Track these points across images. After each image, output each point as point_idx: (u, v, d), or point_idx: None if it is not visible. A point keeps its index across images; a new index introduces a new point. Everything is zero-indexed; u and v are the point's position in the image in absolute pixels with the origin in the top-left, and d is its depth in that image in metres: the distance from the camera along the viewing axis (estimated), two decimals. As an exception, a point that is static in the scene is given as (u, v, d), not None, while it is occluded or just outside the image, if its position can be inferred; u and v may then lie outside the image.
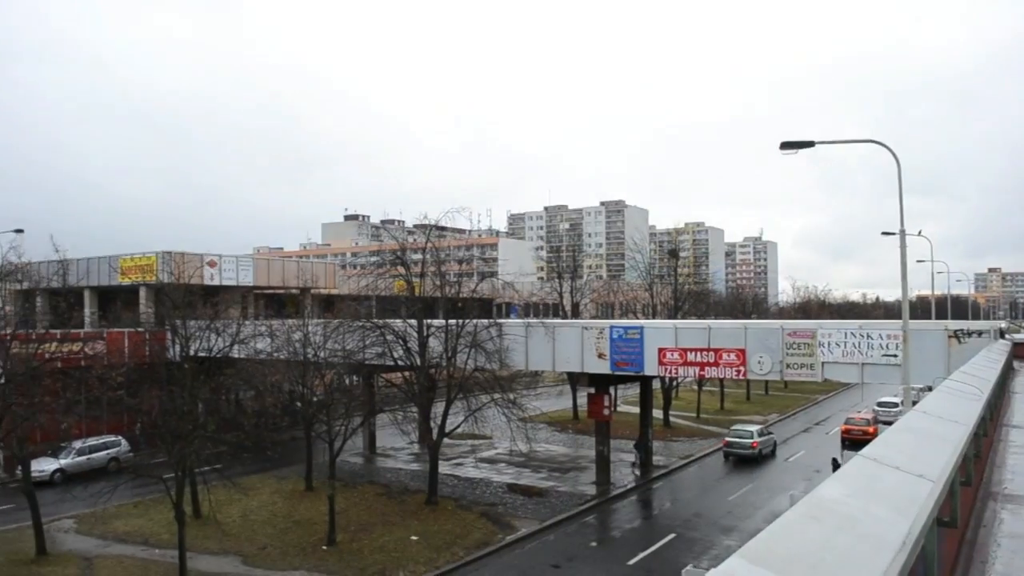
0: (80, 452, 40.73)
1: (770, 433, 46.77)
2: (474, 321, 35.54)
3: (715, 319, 56.49)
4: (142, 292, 56.62)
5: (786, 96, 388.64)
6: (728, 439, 44.90)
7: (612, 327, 34.42)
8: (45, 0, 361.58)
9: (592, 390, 36.96)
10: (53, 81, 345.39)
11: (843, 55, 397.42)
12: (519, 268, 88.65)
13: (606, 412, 37.20)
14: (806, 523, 2.87)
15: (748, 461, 42.74)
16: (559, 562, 26.54)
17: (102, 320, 56.98)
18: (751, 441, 43.42)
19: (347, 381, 37.89)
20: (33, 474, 31.48)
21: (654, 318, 60.78)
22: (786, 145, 21.60)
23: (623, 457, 42.85)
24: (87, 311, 59.73)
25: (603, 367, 34.36)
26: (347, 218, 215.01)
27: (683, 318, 56.13)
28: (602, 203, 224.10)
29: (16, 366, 24.25)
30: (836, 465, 37.25)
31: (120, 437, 43.32)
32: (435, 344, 35.05)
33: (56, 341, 29.20)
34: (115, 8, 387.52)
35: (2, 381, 23.85)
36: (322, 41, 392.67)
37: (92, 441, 42.24)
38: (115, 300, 57.83)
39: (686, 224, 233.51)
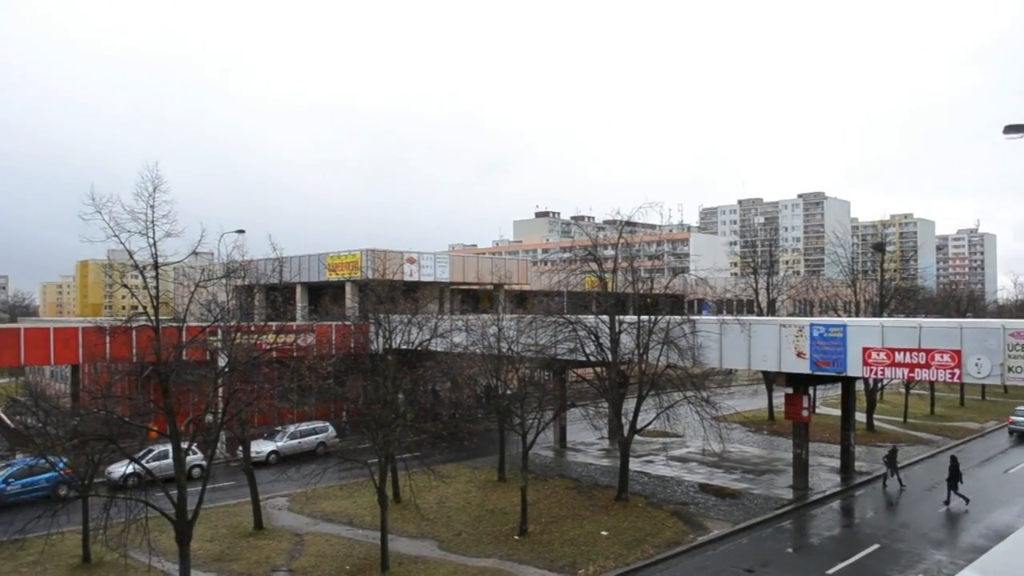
0: (292, 436, 43.67)
1: None
2: (667, 317, 35.13)
3: (925, 317, 53.02)
4: (348, 287, 59.94)
5: (1006, 73, 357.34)
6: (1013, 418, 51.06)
7: (812, 325, 33.02)
8: (266, 23, 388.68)
9: (790, 390, 35.60)
10: (271, 94, 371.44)
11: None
12: (712, 264, 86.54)
13: (805, 413, 35.73)
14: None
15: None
16: (753, 567, 25.79)
17: (312, 314, 60.58)
18: None
19: (539, 375, 38.46)
20: (252, 455, 34.13)
21: (857, 316, 57.70)
22: (1010, 129, 19.87)
23: (822, 461, 41.05)
24: (299, 305, 63.87)
25: (802, 366, 33.04)
26: (538, 215, 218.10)
27: (889, 316, 53.04)
28: (799, 195, 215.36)
29: (239, 356, 26.28)
30: (953, 464, 34.58)
31: (328, 423, 46.12)
32: (627, 340, 34.93)
33: (272, 333, 31.35)
34: (313, 25, 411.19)
35: (227, 370, 25.90)
36: (514, 43, 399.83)
37: (303, 426, 45.24)
38: (324, 295, 61.40)
39: (892, 216, 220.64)
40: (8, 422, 46.75)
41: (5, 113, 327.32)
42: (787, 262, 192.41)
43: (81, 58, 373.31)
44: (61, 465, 26.86)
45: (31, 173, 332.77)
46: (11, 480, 33.99)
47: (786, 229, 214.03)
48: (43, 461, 28.11)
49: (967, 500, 33.29)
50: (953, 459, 34.98)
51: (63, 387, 55.10)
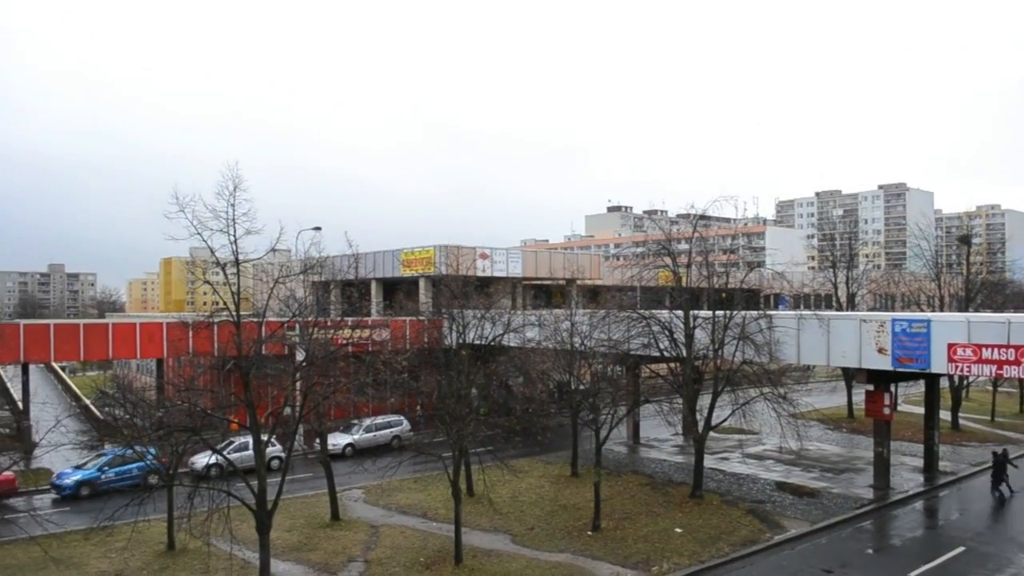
0: (368, 429, 44.33)
1: None
2: (742, 312, 34.62)
3: (1014, 312, 51.11)
4: (422, 283, 60.59)
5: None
6: None
7: (894, 320, 32.13)
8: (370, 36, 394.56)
9: (871, 387, 34.71)
10: (346, 92, 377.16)
11: None
12: (789, 258, 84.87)
13: (886, 411, 34.79)
14: None
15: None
16: (831, 567, 25.22)
17: (387, 309, 61.38)
18: None
19: (612, 371, 38.28)
20: (329, 447, 34.77)
21: (941, 311, 55.94)
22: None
23: (904, 460, 39.95)
24: (374, 301, 64.80)
25: (883, 363, 32.20)
26: (610, 209, 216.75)
27: (976, 311, 51.28)
28: (880, 186, 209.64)
29: (316, 350, 26.80)
30: (995, 459, 33.95)
31: (402, 417, 46.66)
32: (701, 336, 34.52)
33: (349, 328, 31.90)
34: (380, 21, 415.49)
35: (305, 364, 26.43)
36: (587, 37, 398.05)
37: (378, 420, 45.87)
38: (398, 290, 62.17)
39: (978, 207, 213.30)
40: (97, 413, 48.55)
41: (96, 119, 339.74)
42: (867, 256, 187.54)
43: (166, 62, 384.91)
44: (152, 454, 27.81)
45: (119, 175, 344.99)
46: (106, 469, 35.35)
47: (866, 221, 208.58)
48: (131, 451, 29.14)
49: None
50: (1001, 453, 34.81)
51: (148, 380, 57.05)
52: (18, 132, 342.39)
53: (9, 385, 59.48)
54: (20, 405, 47.60)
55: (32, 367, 51.54)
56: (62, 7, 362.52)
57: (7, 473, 30.14)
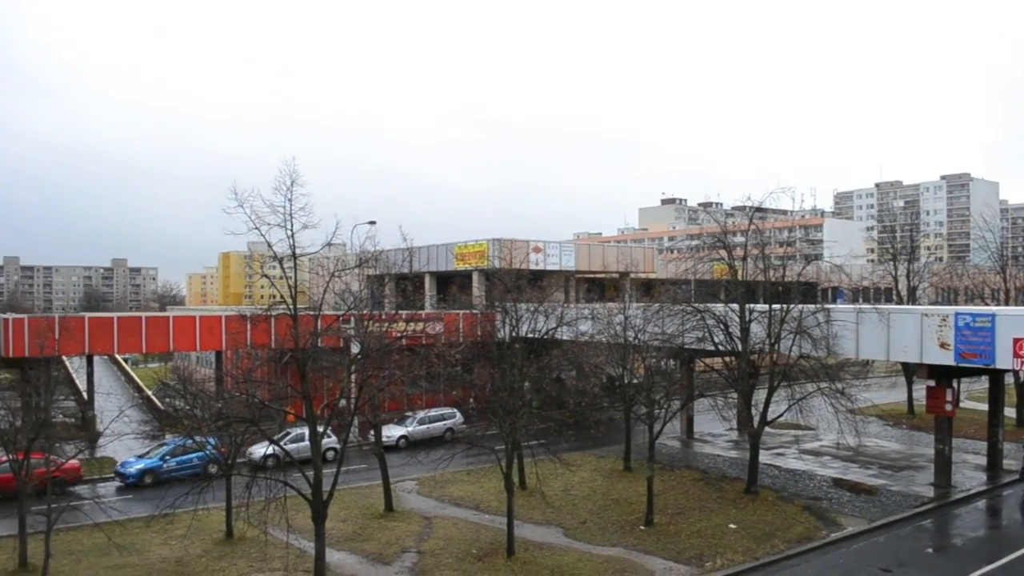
0: (421, 421, 44.69)
1: None
2: (799, 306, 34.10)
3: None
4: (475, 276, 60.79)
5: None
6: None
7: (957, 314, 31.34)
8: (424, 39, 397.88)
9: (932, 383, 33.93)
10: (398, 88, 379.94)
11: None
12: (848, 250, 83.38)
13: (948, 407, 33.98)
14: None
15: None
16: (889, 566, 24.74)
17: (440, 302, 61.74)
18: None
19: (666, 365, 38.02)
20: (383, 439, 35.14)
21: (1007, 305, 54.45)
22: None
23: (966, 458, 38.99)
24: (428, 294, 65.19)
25: (946, 358, 31.43)
26: (664, 202, 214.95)
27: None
28: (942, 177, 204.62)
29: (371, 343, 27.06)
30: None
31: (455, 410, 46.94)
32: (757, 329, 34.09)
33: (403, 321, 32.16)
34: (431, 16, 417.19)
35: (360, 356, 26.72)
36: (639, 30, 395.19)
37: (432, 412, 46.22)
38: (452, 284, 62.49)
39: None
40: (159, 404, 49.70)
41: (159, 121, 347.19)
42: (929, 248, 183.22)
43: (224, 64, 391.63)
44: (211, 444, 28.40)
45: (178, 172, 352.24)
46: (167, 458, 36.21)
47: (928, 213, 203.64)
48: (191, 441, 29.80)
49: None
50: None
51: (208, 372, 58.17)
52: (85, 131, 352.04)
53: (75, 376, 61.17)
54: (85, 395, 48.98)
55: (96, 359, 52.96)
56: (132, 10, 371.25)
57: (73, 461, 31.03)
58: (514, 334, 37.63)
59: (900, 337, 32.91)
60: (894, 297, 65.36)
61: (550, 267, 62.62)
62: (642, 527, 28.22)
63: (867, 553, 26.08)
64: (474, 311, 52.52)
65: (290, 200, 22.08)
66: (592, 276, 73.79)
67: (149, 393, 57.11)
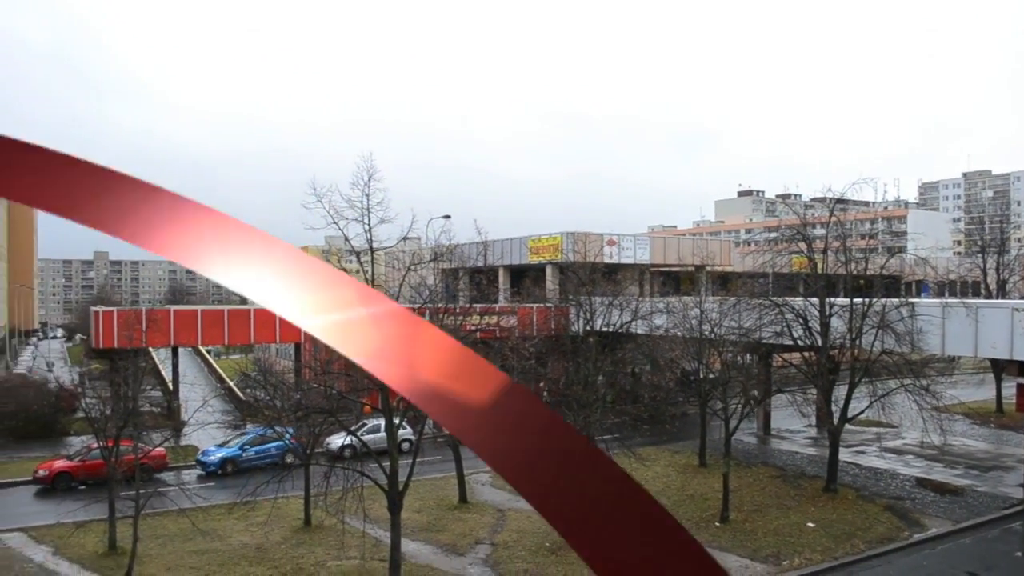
0: (495, 414, 44.81)
1: None
2: (882, 300, 33.19)
3: None
4: (548, 270, 60.73)
5: None
6: None
7: (1050, 309, 30.16)
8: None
9: (1022, 380, 32.72)
10: (471, 84, 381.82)
11: None
12: (933, 242, 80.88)
13: (1039, 406, 32.73)
14: None
15: None
16: (976, 569, 23.95)
17: (514, 296, 61.84)
18: None
19: (743, 359, 37.44)
20: (458, 431, 35.34)
21: (1104, 299, 52.15)
22: None
23: (1061, 458, 37.52)
24: (502, 288, 65.40)
25: (1038, 355, 30.29)
26: (740, 194, 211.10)
27: None
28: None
29: (446, 335, 27.29)
30: None
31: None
32: (838, 324, 33.29)
33: (477, 314, 32.36)
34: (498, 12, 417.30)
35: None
36: (718, 21, 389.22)
37: (506, 405, 46.27)
38: (525, 277, 62.51)
39: None
40: (240, 395, 51.01)
41: (241, 118, 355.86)
42: (1020, 240, 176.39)
43: (296, 67, 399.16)
44: (290, 434, 29.02)
45: (258, 166, 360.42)
46: (247, 447, 37.13)
47: (1019, 203, 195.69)
48: (271, 431, 30.49)
49: None
50: None
51: (287, 363, 59.42)
52: (166, 128, 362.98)
53: (161, 367, 63.16)
54: (171, 386, 50.57)
55: (181, 350, 54.56)
56: (221, 19, 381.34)
57: (159, 449, 32.04)
58: (588, 328, 37.51)
59: (989, 333, 31.76)
60: (982, 291, 63.11)
61: (624, 260, 62.16)
62: (717, 524, 27.87)
63: (952, 555, 25.30)
64: (548, 304, 52.46)
65: (367, 195, 22.43)
66: (667, 269, 73.00)
67: (231, 384, 58.59)
